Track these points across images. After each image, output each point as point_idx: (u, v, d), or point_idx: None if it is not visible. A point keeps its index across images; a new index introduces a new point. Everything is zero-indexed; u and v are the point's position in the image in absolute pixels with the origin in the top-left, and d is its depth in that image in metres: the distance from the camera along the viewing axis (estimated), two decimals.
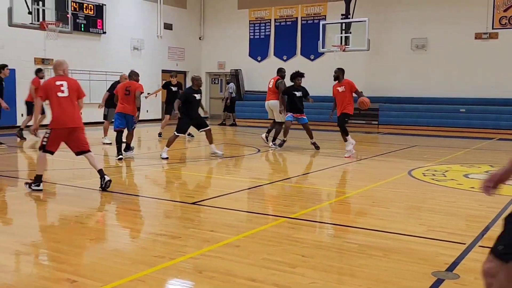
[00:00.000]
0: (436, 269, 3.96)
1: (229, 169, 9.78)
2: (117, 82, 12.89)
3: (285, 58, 22.40)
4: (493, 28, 18.42)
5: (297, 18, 22.45)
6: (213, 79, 25.02)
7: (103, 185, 7.00)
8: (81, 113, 7.21)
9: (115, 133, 10.43)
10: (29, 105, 13.60)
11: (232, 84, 21.72)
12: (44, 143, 6.95)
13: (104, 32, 19.85)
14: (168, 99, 14.57)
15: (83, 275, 3.79)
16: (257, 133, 16.57)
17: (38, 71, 14.01)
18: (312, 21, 21.85)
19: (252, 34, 23.52)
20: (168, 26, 22.84)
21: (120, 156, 10.06)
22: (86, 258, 4.22)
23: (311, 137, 11.83)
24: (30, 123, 13.25)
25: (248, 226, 5.37)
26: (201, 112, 10.81)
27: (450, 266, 4.04)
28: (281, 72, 12.86)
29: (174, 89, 14.47)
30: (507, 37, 18.16)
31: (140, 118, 10.89)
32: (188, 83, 24.01)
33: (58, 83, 6.96)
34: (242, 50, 23.58)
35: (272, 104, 12.52)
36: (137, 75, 10.94)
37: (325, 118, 20.62)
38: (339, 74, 11.05)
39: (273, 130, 12.53)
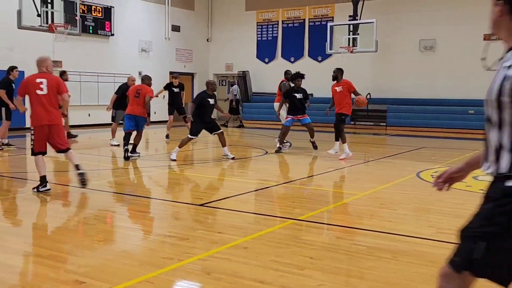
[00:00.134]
0: None
1: (236, 170, 9.78)
2: (124, 84, 12.96)
3: (293, 60, 22.39)
4: None
5: (304, 19, 22.44)
6: (220, 81, 25.04)
7: (81, 180, 6.96)
8: (66, 111, 7.19)
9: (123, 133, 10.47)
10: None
11: (236, 86, 21.71)
12: (32, 147, 7.01)
13: (112, 34, 19.94)
14: (170, 100, 14.64)
15: (91, 276, 3.80)
16: (264, 135, 16.57)
17: (62, 73, 14.34)
18: (319, 23, 21.83)
19: (260, 35, 23.54)
20: (176, 28, 22.90)
21: (126, 148, 10.26)
22: (94, 260, 4.23)
23: (312, 136, 11.65)
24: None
25: (256, 228, 5.36)
26: (215, 112, 10.82)
27: None
28: (286, 75, 12.87)
29: (176, 90, 14.56)
30: None
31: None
32: (196, 85, 24.11)
33: (38, 80, 6.98)
34: (249, 51, 23.60)
35: (275, 106, 12.67)
36: (149, 79, 11.11)
37: (333, 120, 20.64)
38: (337, 74, 10.98)
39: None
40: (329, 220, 5.96)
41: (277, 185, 8.12)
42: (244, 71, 23.29)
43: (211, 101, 10.35)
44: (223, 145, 10.53)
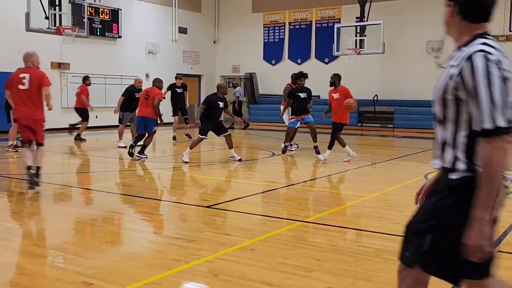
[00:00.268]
0: None
1: (243, 172, 9.78)
2: (131, 87, 13.02)
3: (300, 62, 22.38)
4: (510, 30, 18.23)
5: (311, 21, 22.43)
6: (227, 83, 25.07)
7: (31, 182, 7.05)
8: (49, 104, 7.28)
9: (130, 136, 10.53)
10: (79, 111, 14.54)
11: (239, 88, 21.73)
12: (20, 138, 7.20)
13: (120, 37, 20.01)
14: (173, 100, 14.68)
15: (99, 278, 3.81)
16: (271, 137, 16.57)
17: (85, 79, 14.84)
18: (326, 24, 21.82)
19: (267, 37, 23.55)
20: (182, 30, 22.96)
21: (132, 144, 10.59)
22: (102, 261, 4.24)
23: (314, 140, 11.11)
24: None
25: (263, 230, 5.35)
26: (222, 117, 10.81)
27: None
28: (292, 78, 12.87)
29: (179, 90, 14.65)
30: None
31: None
32: (203, 87, 24.15)
33: (21, 75, 7.09)
34: (256, 53, 23.62)
35: (282, 109, 12.61)
36: (160, 81, 11.31)
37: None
38: (335, 80, 10.72)
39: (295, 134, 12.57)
40: (336, 222, 5.94)
41: (284, 187, 8.11)
42: (251, 73, 23.31)
43: (221, 104, 10.39)
44: (230, 147, 10.54)
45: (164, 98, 11.87)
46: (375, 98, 19.82)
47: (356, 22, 19.03)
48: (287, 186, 8.22)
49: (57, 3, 13.85)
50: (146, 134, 10.74)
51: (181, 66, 22.87)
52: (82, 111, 14.55)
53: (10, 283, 3.78)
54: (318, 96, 21.01)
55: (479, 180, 1.99)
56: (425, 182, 2.54)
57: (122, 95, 12.99)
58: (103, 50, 19.45)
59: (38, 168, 7.11)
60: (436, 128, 2.19)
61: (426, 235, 2.13)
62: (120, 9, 19.91)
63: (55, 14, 13.73)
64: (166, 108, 21.57)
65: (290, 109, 11.75)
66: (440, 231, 2.11)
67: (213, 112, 10.31)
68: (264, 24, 23.59)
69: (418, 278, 2.24)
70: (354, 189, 8.03)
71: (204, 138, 10.28)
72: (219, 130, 10.53)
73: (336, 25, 19.54)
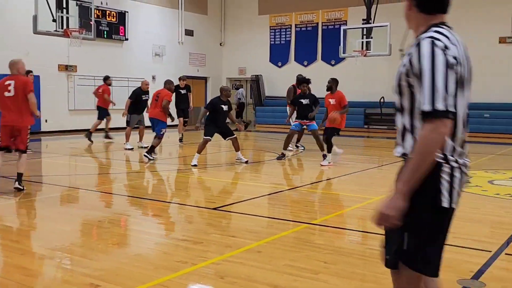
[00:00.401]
0: (461, 277, 3.89)
1: (250, 174, 9.78)
2: (138, 89, 13.07)
3: (306, 64, 22.37)
4: None
5: (317, 23, 22.42)
6: (233, 85, 25.10)
7: (16, 189, 7.16)
8: (36, 111, 7.34)
9: (137, 138, 10.56)
10: (100, 109, 14.84)
11: (241, 90, 21.69)
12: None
13: (126, 39, 20.08)
14: (177, 101, 14.73)
15: (106, 279, 3.82)
16: (277, 139, 16.55)
17: (106, 79, 15.11)
18: (333, 26, 21.80)
19: (273, 39, 23.56)
20: (189, 32, 23.00)
21: (144, 145, 11.00)
22: (109, 263, 4.25)
23: (321, 149, 10.55)
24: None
25: (269, 232, 5.35)
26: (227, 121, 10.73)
27: (476, 274, 3.96)
28: (297, 80, 12.86)
29: (182, 91, 14.71)
30: None
31: None
32: (209, 89, 24.17)
33: (7, 82, 7.16)
34: (262, 55, 23.63)
35: (288, 110, 12.57)
36: (170, 83, 11.55)
37: (346, 124, 20.55)
38: (332, 85, 10.54)
39: (301, 135, 12.54)
40: (343, 225, 5.93)
41: (290, 189, 8.10)
42: (257, 75, 23.32)
43: (224, 107, 10.33)
44: (237, 149, 10.53)
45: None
46: (382, 100, 19.76)
47: (363, 24, 18.99)
48: (293, 188, 8.21)
49: (64, 5, 13.92)
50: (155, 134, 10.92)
51: (187, 68, 22.91)
52: (103, 110, 14.80)
53: (18, 285, 3.79)
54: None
55: (411, 156, 2.03)
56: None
57: (129, 97, 13.04)
58: (110, 52, 19.52)
59: (19, 175, 7.17)
60: (396, 116, 2.22)
61: (404, 232, 2.14)
62: (127, 12, 19.99)
63: (62, 17, 13.80)
64: (172, 111, 21.69)
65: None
66: (414, 225, 2.12)
67: (216, 116, 10.24)
68: (270, 26, 23.60)
69: (410, 276, 2.23)
70: (361, 191, 8.00)
71: (208, 139, 10.21)
72: (225, 133, 10.47)
73: (342, 27, 19.51)
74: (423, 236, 2.13)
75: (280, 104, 20.29)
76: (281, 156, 11.07)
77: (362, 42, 18.51)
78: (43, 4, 13.28)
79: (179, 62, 22.50)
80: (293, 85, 12.73)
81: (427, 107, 1.97)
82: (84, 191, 7.57)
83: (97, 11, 18.12)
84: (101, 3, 18.79)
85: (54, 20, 13.67)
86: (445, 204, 2.10)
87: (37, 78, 15.60)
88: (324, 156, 10.54)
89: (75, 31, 13.96)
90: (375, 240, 5.08)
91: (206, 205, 6.72)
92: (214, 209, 6.33)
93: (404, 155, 2.20)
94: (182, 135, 14.73)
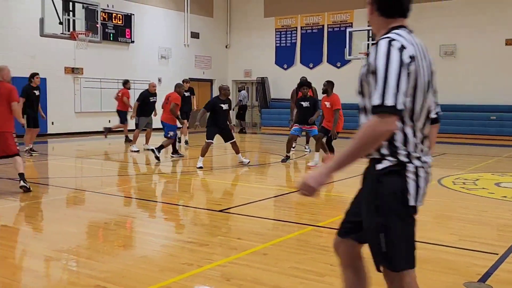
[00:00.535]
0: (468, 279, 3.87)
1: (255, 176, 9.78)
2: (146, 91, 13.11)
3: (312, 66, 22.36)
4: None
5: (323, 25, 22.41)
6: (239, 87, 25.12)
7: (23, 188, 7.25)
8: (20, 119, 7.44)
9: (143, 141, 10.59)
10: (120, 113, 14.93)
11: (243, 92, 21.61)
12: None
13: (133, 41, 20.14)
14: (181, 104, 14.77)
15: (112, 281, 3.83)
16: (283, 141, 16.53)
17: (126, 82, 15.30)
18: (338, 29, 21.78)
19: (279, 42, 23.56)
20: (195, 35, 23.05)
21: (150, 148, 11.23)
22: (114, 265, 4.25)
23: (324, 150, 10.42)
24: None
25: (275, 234, 5.34)
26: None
27: (483, 277, 3.94)
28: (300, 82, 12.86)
29: (186, 94, 14.70)
30: None
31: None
32: (215, 92, 24.17)
33: None
34: (268, 58, 23.63)
35: None
36: (180, 86, 11.75)
37: (350, 126, 20.52)
38: (327, 88, 10.41)
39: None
40: None
41: (296, 191, 8.08)
42: (263, 77, 23.32)
43: (224, 106, 10.18)
44: (237, 152, 10.44)
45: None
46: None
47: (369, 26, 18.96)
48: (298, 190, 8.20)
49: (71, 8, 13.99)
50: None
51: (193, 71, 22.95)
52: (123, 113, 14.90)
53: (24, 286, 3.81)
54: None
55: (352, 141, 2.08)
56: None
57: (137, 100, 13.10)
58: (116, 55, 19.59)
59: (21, 174, 7.24)
60: (360, 116, 2.26)
61: (379, 234, 2.20)
62: (133, 14, 20.05)
63: (69, 20, 13.87)
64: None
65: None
66: (387, 224, 2.18)
67: (216, 116, 10.11)
68: (276, 29, 23.60)
69: (399, 275, 2.31)
70: None
71: (210, 142, 10.15)
72: (227, 136, 10.35)
73: (348, 29, 19.50)
74: (397, 234, 2.19)
75: (285, 107, 20.27)
76: (286, 159, 11.03)
77: (368, 44, 18.49)
78: (50, 7, 13.36)
79: (185, 64, 22.54)
80: (296, 88, 12.75)
81: (377, 101, 2.01)
82: (90, 193, 7.59)
83: (103, 13, 18.19)
84: (107, 6, 18.86)
85: (60, 23, 13.74)
86: (412, 202, 2.18)
87: (43, 80, 15.65)
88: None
89: (81, 33, 14.03)
90: None
91: (211, 207, 6.72)
92: (220, 211, 6.34)
93: (369, 154, 2.25)
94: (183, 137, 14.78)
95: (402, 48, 2.08)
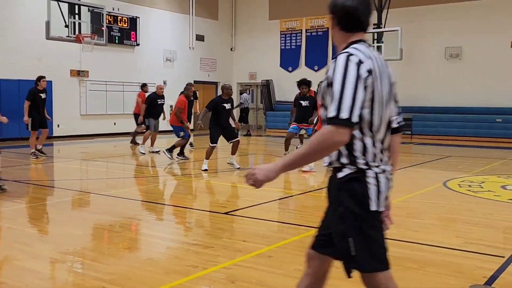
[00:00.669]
0: (474, 282, 3.86)
1: None
2: (153, 94, 13.15)
3: (316, 68, 22.36)
4: None
5: (328, 28, 22.39)
6: (240, 90, 25.12)
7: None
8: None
9: (148, 143, 10.59)
10: (136, 116, 14.76)
11: (245, 95, 21.57)
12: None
13: (138, 44, 20.20)
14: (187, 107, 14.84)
15: (117, 283, 3.83)
16: None
17: (144, 86, 15.27)
18: None
19: (283, 44, 23.57)
20: (200, 38, 23.09)
21: (155, 150, 11.58)
22: (120, 267, 4.26)
23: None
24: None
25: (280, 237, 5.34)
26: (232, 123, 10.70)
27: (489, 280, 3.92)
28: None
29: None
30: None
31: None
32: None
33: None
34: (273, 60, 23.65)
35: None
36: (187, 89, 11.96)
37: None
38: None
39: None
40: None
41: (301, 193, 8.08)
42: (268, 80, 23.33)
43: (227, 106, 10.07)
44: (233, 153, 10.28)
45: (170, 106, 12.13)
46: None
47: (373, 28, 18.95)
48: (303, 192, 8.19)
49: (76, 11, 14.06)
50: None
51: (198, 73, 22.99)
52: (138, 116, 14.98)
53: None
54: None
55: (305, 145, 2.14)
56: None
57: (144, 102, 13.14)
58: (121, 57, 19.65)
59: None
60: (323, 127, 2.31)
61: (347, 239, 2.26)
62: (138, 17, 20.11)
63: (74, 23, 13.94)
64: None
65: None
66: (352, 229, 2.24)
67: (218, 116, 9.99)
68: (281, 31, 23.62)
69: (374, 277, 2.35)
70: None
71: (214, 146, 10.09)
72: (230, 135, 10.23)
73: None
74: (364, 238, 2.25)
75: (290, 109, 20.27)
76: None
77: (373, 46, 18.47)
78: (56, 10, 13.43)
79: (190, 67, 22.58)
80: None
81: (332, 113, 2.08)
82: (96, 195, 7.60)
83: (109, 16, 18.26)
84: (113, 9, 18.93)
85: (66, 26, 13.81)
86: (373, 207, 2.23)
87: (49, 83, 15.71)
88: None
89: (87, 36, 14.08)
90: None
91: (217, 210, 6.72)
92: (225, 213, 6.33)
93: (330, 164, 2.33)
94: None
95: (359, 62, 2.15)
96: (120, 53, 19.59)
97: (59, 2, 13.53)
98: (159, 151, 12.79)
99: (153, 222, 6.24)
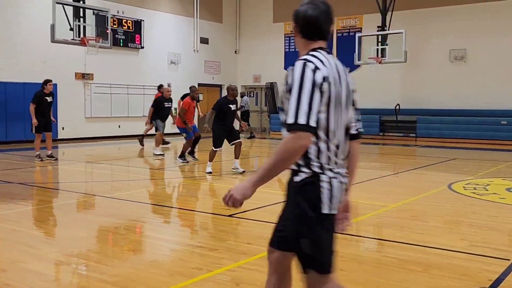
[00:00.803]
0: (479, 285, 3.84)
1: None
2: (161, 96, 13.20)
3: None
4: None
5: (332, 30, 22.34)
6: (248, 92, 25.15)
7: None
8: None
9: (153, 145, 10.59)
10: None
11: (245, 98, 21.53)
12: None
13: (142, 47, 20.25)
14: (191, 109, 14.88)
15: (122, 285, 3.83)
16: None
17: (160, 87, 15.17)
18: (348, 34, 21.77)
19: (288, 47, 23.58)
20: (204, 40, 23.14)
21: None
22: (124, 269, 4.26)
23: None
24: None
25: None
26: (236, 125, 10.71)
27: (494, 283, 3.91)
28: None
29: None
30: None
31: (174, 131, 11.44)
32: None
33: None
34: (277, 63, 23.65)
35: None
36: (193, 91, 11.98)
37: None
38: None
39: None
40: (358, 232, 5.88)
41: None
42: (272, 83, 23.34)
43: (232, 107, 10.03)
44: (237, 157, 10.17)
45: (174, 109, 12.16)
46: (397, 107, 19.67)
47: (378, 31, 18.95)
48: None
49: (81, 14, 14.12)
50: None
51: (202, 76, 23.03)
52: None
53: None
54: None
55: (272, 156, 2.24)
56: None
57: (151, 105, 13.17)
58: (126, 60, 19.71)
59: None
60: (282, 130, 2.38)
61: (302, 240, 2.35)
62: (143, 20, 20.17)
63: (79, 26, 14.00)
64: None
65: None
66: (307, 231, 2.33)
67: (224, 116, 9.92)
68: (285, 34, 23.64)
69: (316, 279, 2.43)
70: (377, 199, 7.95)
71: (217, 149, 10.04)
72: (232, 136, 10.15)
73: (357, 34, 19.48)
74: (316, 239, 2.35)
75: None
76: None
77: (377, 49, 18.47)
78: (61, 13, 13.50)
79: (194, 70, 22.63)
80: None
81: (290, 120, 2.18)
82: (100, 198, 7.62)
83: (114, 19, 18.33)
84: (118, 12, 18.99)
85: (71, 29, 13.88)
86: (326, 210, 2.32)
87: (54, 86, 15.69)
88: None
89: (91, 39, 14.14)
90: (391, 247, 5.04)
91: (221, 212, 6.72)
92: (230, 216, 6.33)
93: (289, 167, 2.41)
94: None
95: (315, 69, 2.25)
96: (124, 56, 19.65)
97: (64, 5, 13.60)
98: (164, 154, 12.83)
99: (157, 224, 6.25)
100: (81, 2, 14.26)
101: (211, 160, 10.09)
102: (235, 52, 24.91)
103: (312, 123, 2.17)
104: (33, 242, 5.20)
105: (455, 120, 18.79)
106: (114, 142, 17.61)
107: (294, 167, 2.39)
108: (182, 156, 11.57)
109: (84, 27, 14.11)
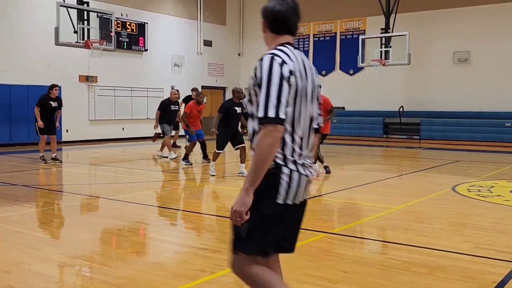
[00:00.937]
0: (484, 287, 3.83)
1: None
2: (167, 99, 13.19)
3: (324, 73, 22.34)
4: None
5: (336, 33, 22.40)
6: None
7: None
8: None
9: (158, 147, 10.61)
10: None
11: (245, 100, 21.56)
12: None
13: (146, 50, 20.29)
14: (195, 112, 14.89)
15: (125, 287, 3.84)
16: None
17: (171, 89, 15.37)
18: (351, 36, 21.76)
19: None
20: (207, 43, 23.17)
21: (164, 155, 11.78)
22: (128, 271, 4.27)
23: (318, 160, 9.98)
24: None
25: None
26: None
27: (499, 285, 3.90)
28: None
29: None
30: None
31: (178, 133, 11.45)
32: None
33: None
34: None
35: None
36: (197, 94, 12.09)
37: (365, 133, 20.47)
38: None
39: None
40: (362, 234, 5.88)
41: (308, 198, 8.05)
42: None
43: (238, 109, 9.97)
44: (242, 161, 10.09)
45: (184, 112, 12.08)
46: (401, 110, 19.64)
47: (381, 33, 18.93)
48: (311, 197, 8.17)
49: (85, 17, 14.16)
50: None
51: (206, 79, 23.05)
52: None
53: None
54: (343, 108, 20.93)
55: (253, 158, 2.32)
56: None
57: (158, 109, 13.14)
58: (129, 63, 19.75)
59: None
60: (249, 122, 2.48)
61: (245, 223, 2.40)
62: (146, 23, 20.22)
63: (83, 28, 14.03)
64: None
65: None
66: (253, 216, 2.38)
67: (229, 118, 9.88)
68: None
69: (243, 259, 2.52)
70: (380, 201, 7.94)
71: (220, 152, 10.01)
72: (236, 140, 10.10)
73: (361, 37, 19.46)
74: (257, 224, 2.41)
75: None
76: None
77: (381, 51, 18.45)
78: (65, 16, 13.54)
79: (198, 72, 22.65)
80: None
81: (261, 113, 2.28)
82: (104, 200, 7.63)
83: (117, 22, 18.38)
84: (121, 15, 19.04)
85: (75, 32, 13.91)
86: (280, 201, 2.42)
87: (58, 88, 15.82)
88: (326, 168, 10.33)
89: (95, 42, 14.17)
90: (395, 249, 5.03)
91: (225, 214, 6.72)
92: None
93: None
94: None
95: (282, 63, 2.35)
96: (128, 58, 19.69)
97: (68, 8, 13.64)
98: (167, 156, 12.84)
99: (161, 227, 6.25)
100: (85, 5, 14.30)
101: (214, 160, 10.13)
102: (239, 54, 24.93)
103: (282, 115, 2.27)
104: (37, 244, 5.21)
105: (459, 122, 18.75)
106: (118, 145, 17.64)
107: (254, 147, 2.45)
108: (185, 158, 11.61)
109: (88, 30, 14.15)
